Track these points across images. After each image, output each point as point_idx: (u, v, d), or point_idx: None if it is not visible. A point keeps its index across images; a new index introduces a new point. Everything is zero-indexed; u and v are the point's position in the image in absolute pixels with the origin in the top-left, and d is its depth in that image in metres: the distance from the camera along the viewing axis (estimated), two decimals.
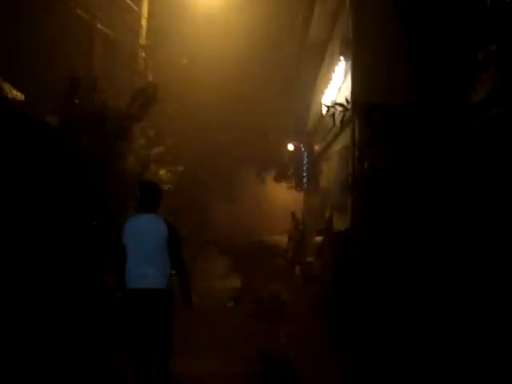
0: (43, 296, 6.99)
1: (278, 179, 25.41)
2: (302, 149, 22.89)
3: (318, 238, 13.77)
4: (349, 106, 7.85)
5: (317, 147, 20.45)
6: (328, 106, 8.57)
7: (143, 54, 15.01)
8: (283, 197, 25.81)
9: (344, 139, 12.47)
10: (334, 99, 12.99)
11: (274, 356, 7.24)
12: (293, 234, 19.41)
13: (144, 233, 5.51)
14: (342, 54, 13.08)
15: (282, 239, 21.29)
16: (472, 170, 5.98)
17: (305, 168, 22.17)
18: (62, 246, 7.37)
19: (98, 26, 12.70)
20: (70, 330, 6.90)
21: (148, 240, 5.47)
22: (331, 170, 16.17)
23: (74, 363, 6.42)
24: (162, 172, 12.38)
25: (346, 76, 12.43)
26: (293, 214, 20.10)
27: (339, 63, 13.10)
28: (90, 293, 7.54)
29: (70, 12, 12.65)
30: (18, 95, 8.53)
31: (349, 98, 9.04)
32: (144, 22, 15.04)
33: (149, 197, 5.72)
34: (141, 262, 5.44)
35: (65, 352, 6.54)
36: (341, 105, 7.87)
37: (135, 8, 14.84)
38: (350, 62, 11.85)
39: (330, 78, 14.77)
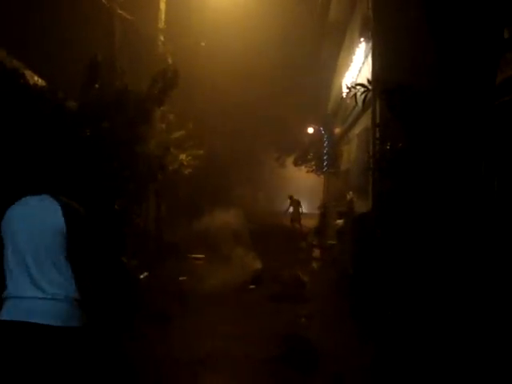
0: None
1: (298, 163, 25.37)
2: (322, 132, 22.80)
3: (339, 221, 13.74)
4: (370, 87, 7.75)
5: (337, 130, 20.34)
6: (349, 87, 8.46)
7: (162, 38, 15.00)
8: (304, 180, 25.78)
9: (365, 121, 12.36)
10: (354, 81, 12.85)
11: (295, 337, 7.27)
12: (294, 216, 20.51)
13: (24, 229, 3.22)
14: (362, 35, 12.92)
15: (304, 222, 21.40)
16: (498, 150, 5.89)
17: (325, 151, 22.09)
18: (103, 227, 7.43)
19: (118, 10, 12.68)
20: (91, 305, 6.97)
21: (31, 240, 3.17)
22: (352, 153, 16.06)
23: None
24: (182, 156, 12.44)
25: (366, 57, 12.29)
26: (290, 197, 20.97)
27: (359, 44, 12.96)
28: (112, 274, 7.63)
29: None
30: (39, 81, 8.59)
31: (370, 78, 8.94)
32: (163, 6, 15.00)
33: (37, 165, 3.75)
34: (18, 276, 3.15)
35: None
36: (362, 85, 7.78)
37: None
38: (370, 43, 11.71)
39: (350, 60, 14.63)
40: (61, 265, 3.18)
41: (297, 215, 21.55)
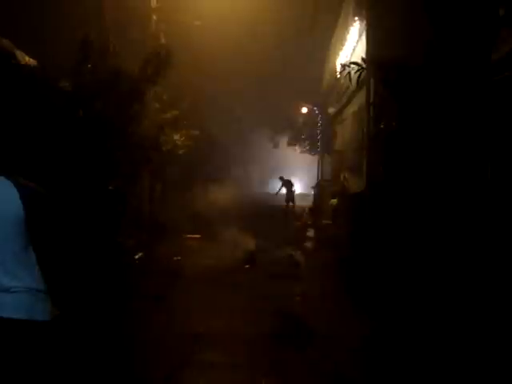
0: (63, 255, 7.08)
1: (291, 143, 25.34)
2: (316, 111, 22.74)
3: (334, 200, 13.78)
4: (364, 65, 7.72)
5: (331, 109, 20.29)
6: (343, 65, 8.43)
7: (155, 17, 14.84)
8: (298, 160, 25.77)
9: (359, 100, 12.33)
10: (348, 60, 12.80)
11: (289, 315, 7.32)
12: (288, 196, 20.69)
13: None
14: (356, 13, 12.83)
15: (299, 203, 21.45)
16: (494, 127, 5.89)
17: (319, 131, 22.07)
18: (79, 208, 7.44)
19: None
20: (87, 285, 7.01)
21: None
22: (346, 132, 16.05)
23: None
24: (176, 136, 12.38)
25: (360, 36, 12.23)
26: (281, 178, 21.06)
27: (354, 23, 12.88)
28: (107, 252, 7.65)
29: None
30: (30, 61, 8.50)
31: (364, 57, 8.90)
32: None
33: None
34: None
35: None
36: (356, 64, 7.75)
37: None
38: (364, 21, 11.63)
39: (344, 39, 14.56)
40: (22, 255, 2.75)
41: (290, 195, 21.58)
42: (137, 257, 10.53)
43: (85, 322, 6.02)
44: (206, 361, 5.72)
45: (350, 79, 8.00)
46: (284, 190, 22.06)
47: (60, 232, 3.07)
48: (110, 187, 8.20)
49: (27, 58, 8.49)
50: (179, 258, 11.33)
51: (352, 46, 13.31)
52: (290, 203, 21.62)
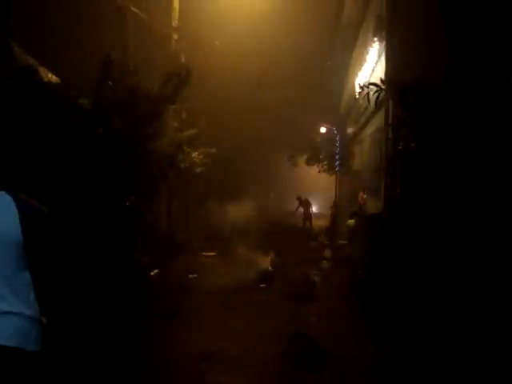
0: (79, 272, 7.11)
1: (310, 162, 25.30)
2: (335, 131, 22.75)
3: (351, 221, 13.69)
4: (383, 86, 7.71)
5: (349, 130, 20.29)
6: (362, 87, 8.43)
7: (176, 36, 15.02)
8: (316, 180, 25.73)
9: (378, 121, 12.30)
10: (367, 80, 12.80)
11: (304, 336, 7.25)
12: (305, 216, 20.78)
13: None
14: (375, 34, 12.87)
15: (316, 222, 21.40)
16: None
17: (337, 151, 22.05)
18: (96, 224, 7.48)
19: (132, 8, 12.71)
20: (101, 301, 7.02)
21: None
22: (364, 153, 16.01)
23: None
24: (194, 154, 12.45)
25: (379, 57, 12.24)
26: (299, 198, 21.18)
27: (373, 44, 12.90)
28: (122, 269, 7.66)
29: None
30: (53, 78, 8.64)
31: (383, 78, 8.89)
32: (176, 4, 15.03)
33: None
34: None
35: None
36: (375, 85, 7.74)
37: None
38: (383, 42, 11.66)
39: (363, 60, 14.58)
40: (13, 279, 2.49)
41: (307, 215, 21.63)
42: (152, 273, 10.55)
43: (92, 337, 6.02)
44: (218, 381, 5.67)
45: (369, 100, 7.98)
46: (301, 210, 22.05)
47: (59, 255, 2.81)
48: (127, 204, 8.24)
49: (50, 75, 8.65)
50: (195, 275, 11.33)
51: (371, 66, 13.33)
52: (307, 223, 21.57)
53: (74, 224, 4.43)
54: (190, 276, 11.26)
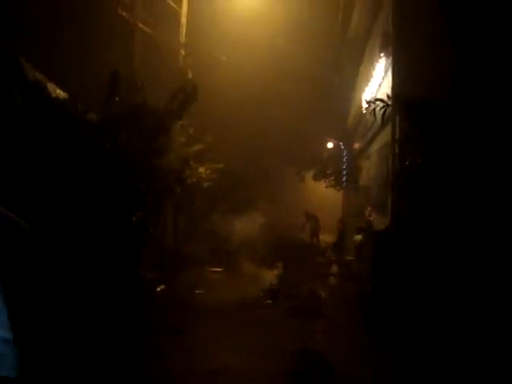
0: (85, 287, 7.09)
1: (317, 178, 25.26)
2: (342, 147, 22.75)
3: (358, 237, 13.62)
4: (390, 102, 7.70)
5: (356, 145, 20.26)
6: (368, 102, 8.43)
7: (183, 52, 15.13)
8: (323, 195, 25.68)
9: (384, 136, 12.28)
10: (374, 96, 12.81)
11: (311, 353, 7.19)
12: (313, 231, 20.66)
13: None
14: (382, 50, 12.89)
15: (323, 237, 21.32)
16: None
17: (344, 166, 22.02)
18: (102, 240, 7.47)
19: (139, 25, 12.84)
20: (107, 317, 7.00)
21: None
22: (371, 168, 15.97)
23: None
24: (201, 170, 12.46)
25: (386, 72, 12.25)
26: (306, 213, 21.12)
27: (379, 60, 12.93)
28: (128, 284, 7.64)
29: (112, 12, 12.85)
30: (61, 94, 8.70)
31: (390, 94, 8.89)
32: (184, 21, 15.16)
33: None
34: None
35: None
36: (382, 100, 7.73)
37: (175, 7, 14.97)
38: (390, 58, 11.67)
39: (370, 75, 14.60)
40: None
41: (315, 230, 21.54)
42: (158, 289, 10.51)
43: (97, 353, 5.98)
44: None
45: (375, 116, 7.97)
46: (309, 225, 21.95)
47: (33, 272, 2.47)
48: (134, 219, 8.23)
49: (58, 91, 8.71)
50: (201, 291, 11.28)
51: (378, 82, 13.34)
52: (315, 238, 21.48)
53: (57, 240, 4.19)
54: (197, 292, 11.21)
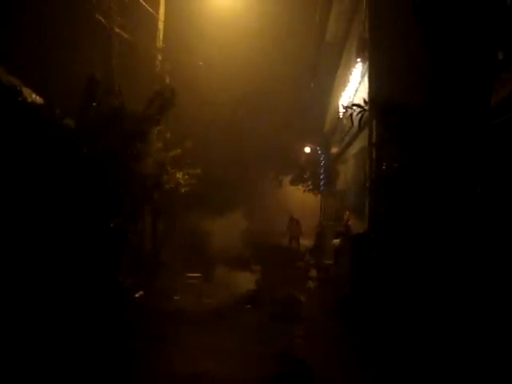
0: (60, 294, 7.01)
1: (294, 182, 25.38)
2: (319, 151, 22.88)
3: (336, 241, 13.70)
4: (366, 107, 7.79)
5: (334, 149, 20.41)
6: (345, 107, 8.51)
7: (160, 57, 15.07)
8: (301, 200, 25.74)
9: (361, 141, 12.39)
10: (351, 101, 12.93)
11: (290, 357, 7.21)
12: (293, 234, 20.81)
13: None
14: (358, 55, 13.02)
15: (301, 242, 21.38)
16: (494, 170, 5.90)
17: (322, 171, 22.15)
18: (80, 246, 7.41)
19: (117, 30, 12.77)
20: (88, 325, 6.93)
21: None
22: (348, 173, 16.09)
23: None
24: (179, 175, 12.40)
25: (363, 77, 12.37)
26: (291, 219, 21.16)
27: (356, 65, 13.05)
28: (107, 291, 7.58)
29: (88, 16, 12.76)
30: (37, 99, 8.61)
31: (366, 99, 8.98)
32: (161, 25, 15.10)
33: None
34: None
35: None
36: (358, 105, 7.81)
37: (152, 12, 14.91)
38: (366, 63, 11.79)
39: (347, 80, 14.72)
40: None
41: (295, 234, 21.52)
42: (137, 295, 10.43)
43: (79, 360, 5.93)
44: None
45: (352, 121, 8.05)
46: (289, 229, 21.96)
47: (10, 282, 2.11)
48: (111, 225, 8.17)
49: (34, 96, 8.61)
50: (178, 297, 11.23)
51: (354, 87, 13.46)
52: (293, 242, 21.52)
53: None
54: (175, 298, 11.16)
